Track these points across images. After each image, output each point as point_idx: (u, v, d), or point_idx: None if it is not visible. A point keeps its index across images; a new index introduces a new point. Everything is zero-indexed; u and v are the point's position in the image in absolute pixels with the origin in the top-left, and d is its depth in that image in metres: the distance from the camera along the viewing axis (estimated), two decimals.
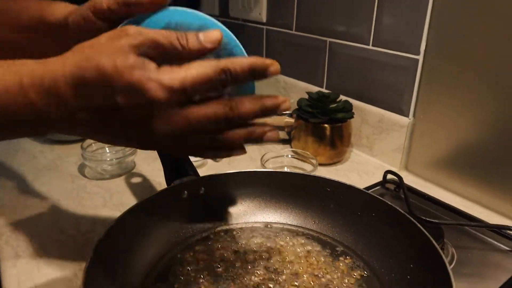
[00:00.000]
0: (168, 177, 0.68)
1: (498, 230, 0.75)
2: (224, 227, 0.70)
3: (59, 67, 0.40)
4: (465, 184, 0.89)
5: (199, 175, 0.69)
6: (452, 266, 0.68)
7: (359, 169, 1.02)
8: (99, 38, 0.41)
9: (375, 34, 0.99)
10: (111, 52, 0.38)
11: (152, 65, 0.39)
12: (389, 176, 0.90)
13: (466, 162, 0.88)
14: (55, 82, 0.39)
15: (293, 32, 1.24)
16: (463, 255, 0.71)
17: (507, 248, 0.73)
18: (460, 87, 0.85)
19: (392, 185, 0.91)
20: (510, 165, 0.80)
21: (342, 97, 1.06)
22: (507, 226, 0.74)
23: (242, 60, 0.42)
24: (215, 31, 0.42)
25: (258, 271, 0.60)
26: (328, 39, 1.12)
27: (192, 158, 0.74)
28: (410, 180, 0.95)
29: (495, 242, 0.74)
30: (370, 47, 1.01)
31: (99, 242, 0.52)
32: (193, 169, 0.69)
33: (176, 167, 0.69)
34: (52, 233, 0.75)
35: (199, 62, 0.41)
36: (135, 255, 0.58)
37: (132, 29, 0.40)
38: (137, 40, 0.39)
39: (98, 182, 0.95)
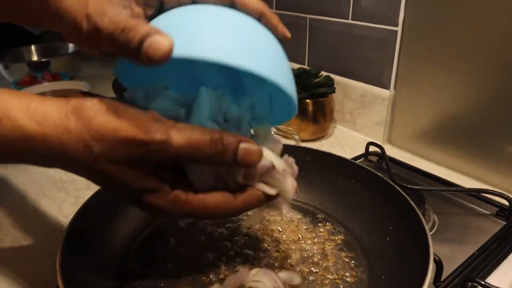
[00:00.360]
0: None
1: (477, 194, 0.76)
2: None
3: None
4: (446, 154, 0.90)
5: None
6: (433, 231, 0.69)
7: (343, 144, 1.02)
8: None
9: (354, 8, 0.99)
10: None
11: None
12: (372, 149, 0.90)
13: (447, 132, 0.89)
14: None
15: (274, 10, 1.23)
16: (445, 220, 0.72)
17: (487, 212, 0.74)
18: (439, 58, 0.86)
19: (375, 157, 0.91)
20: (489, 134, 0.81)
21: (324, 73, 1.06)
22: (486, 189, 0.75)
23: None
24: (255, 150, 0.37)
25: (239, 241, 0.61)
26: (308, 16, 1.12)
27: None
28: (393, 152, 0.95)
29: (475, 207, 0.75)
30: (350, 21, 1.01)
31: (75, 217, 0.52)
32: None
33: None
34: (35, 217, 0.75)
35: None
36: (115, 228, 0.58)
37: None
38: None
39: None
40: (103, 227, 0.56)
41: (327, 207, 0.66)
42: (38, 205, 0.79)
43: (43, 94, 1.23)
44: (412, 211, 0.53)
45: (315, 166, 0.67)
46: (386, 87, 0.98)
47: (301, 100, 0.98)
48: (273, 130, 0.98)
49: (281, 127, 0.96)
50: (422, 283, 0.41)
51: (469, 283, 0.54)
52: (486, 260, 0.61)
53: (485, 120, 0.81)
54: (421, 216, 0.51)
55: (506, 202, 0.71)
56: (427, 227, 0.49)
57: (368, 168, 0.63)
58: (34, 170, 0.91)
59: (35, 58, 1.58)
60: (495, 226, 0.69)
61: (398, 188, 0.57)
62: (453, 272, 0.57)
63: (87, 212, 0.53)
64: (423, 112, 0.92)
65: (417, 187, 0.73)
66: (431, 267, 0.43)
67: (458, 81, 0.83)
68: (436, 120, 0.90)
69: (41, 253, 0.65)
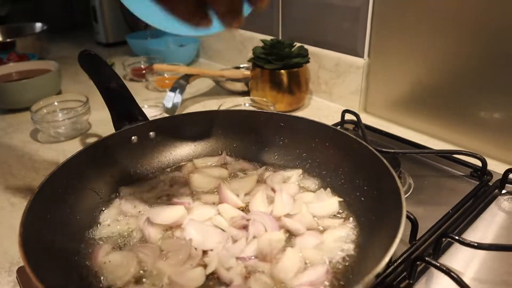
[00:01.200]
0: (117, 124, 0.65)
1: (450, 156, 0.76)
2: (175, 168, 0.69)
3: None
4: (421, 120, 0.90)
5: (148, 119, 0.67)
6: (409, 193, 0.69)
7: (319, 114, 1.01)
8: None
9: None
10: None
11: None
12: (348, 117, 0.90)
13: (422, 99, 0.89)
14: None
15: None
16: (420, 183, 0.72)
17: (461, 173, 0.74)
18: (412, 26, 0.85)
19: (351, 125, 0.91)
20: (462, 100, 0.82)
21: (298, 44, 1.04)
22: (460, 150, 0.76)
23: None
24: None
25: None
26: None
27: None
28: (369, 121, 0.95)
29: (449, 169, 0.76)
30: None
31: (41, 185, 0.50)
32: (142, 114, 0.67)
33: (124, 112, 0.66)
34: (3, 196, 0.72)
35: None
36: (80, 198, 0.56)
37: None
38: None
39: (52, 145, 0.91)
40: (67, 197, 0.55)
41: (302, 169, 0.66)
42: (7, 185, 0.76)
43: (8, 75, 1.19)
44: (385, 170, 0.52)
45: (288, 132, 0.67)
46: (360, 55, 0.97)
47: (275, 71, 0.96)
48: (248, 103, 0.96)
49: (256, 98, 0.95)
50: (395, 236, 0.41)
51: (444, 239, 0.54)
52: (460, 218, 0.62)
53: (459, 86, 0.82)
54: (393, 172, 0.50)
55: (479, 163, 0.72)
56: (399, 182, 0.49)
57: (343, 131, 0.62)
58: (1, 151, 0.89)
59: (0, 38, 1.52)
60: (468, 186, 0.70)
61: (370, 147, 0.57)
62: (429, 230, 0.57)
63: (54, 181, 0.52)
64: (398, 80, 0.92)
65: (392, 150, 0.73)
66: (403, 220, 0.43)
67: (432, 48, 0.83)
68: (410, 87, 0.90)
69: (8, 236, 0.63)
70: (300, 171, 0.66)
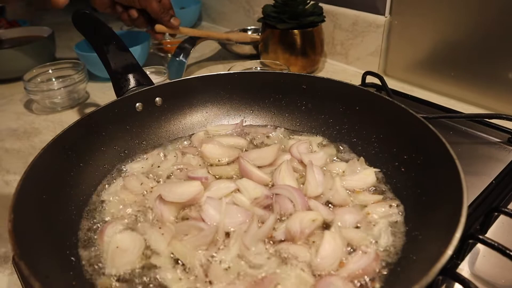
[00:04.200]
0: (119, 91, 0.58)
1: (484, 120, 0.69)
2: (185, 138, 0.62)
3: None
4: (446, 82, 0.82)
5: (153, 84, 0.59)
6: None
7: (335, 78, 0.93)
8: None
9: None
10: None
11: None
12: (369, 80, 0.83)
13: (446, 58, 0.81)
14: None
15: None
16: (454, 151, 0.66)
17: (497, 140, 0.67)
18: None
19: (373, 89, 0.83)
20: (491, 60, 0.74)
21: (312, 1, 0.96)
22: (494, 114, 0.68)
23: None
24: None
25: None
26: None
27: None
28: (390, 84, 0.87)
29: (484, 135, 0.69)
30: None
31: (34, 162, 0.43)
32: (146, 79, 0.59)
33: (126, 77, 0.58)
34: None
35: None
36: (79, 175, 0.50)
37: None
38: None
39: (48, 116, 0.84)
40: (66, 171, 0.48)
41: (329, 136, 0.59)
42: (0, 161, 0.70)
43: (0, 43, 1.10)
44: (433, 137, 0.45)
45: (311, 95, 0.59)
46: (381, 12, 0.88)
47: (287, 30, 0.88)
48: (259, 66, 0.88)
49: (267, 61, 0.87)
50: (456, 225, 0.34)
51: (495, 213, 0.48)
52: (506, 189, 0.55)
53: (489, 44, 0.74)
54: (444, 141, 0.44)
55: None
56: (452, 152, 0.42)
57: (377, 93, 0.55)
58: None
59: None
60: (508, 154, 0.63)
61: (412, 111, 0.50)
62: (473, 203, 0.51)
63: (49, 153, 0.45)
64: (422, 39, 0.84)
65: (425, 115, 0.66)
66: (465, 202, 0.37)
67: (459, 4, 0.75)
68: (435, 47, 0.82)
69: (3, 217, 0.57)
70: (321, 138, 0.59)
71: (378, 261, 0.39)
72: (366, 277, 0.38)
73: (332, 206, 0.48)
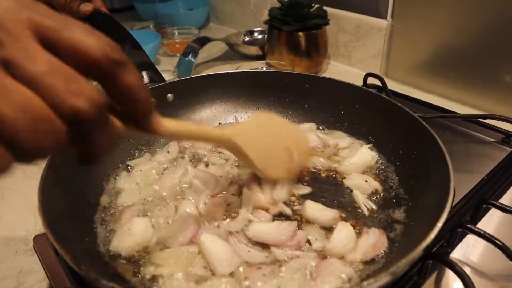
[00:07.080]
0: None
1: (478, 120, 0.73)
2: None
3: None
4: (445, 84, 0.86)
5: (165, 81, 0.63)
6: None
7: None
8: None
9: None
10: None
11: None
12: (370, 81, 0.86)
13: (445, 61, 0.84)
14: None
15: None
16: (448, 149, 0.69)
17: (491, 139, 0.71)
18: None
19: (374, 89, 0.86)
20: (490, 64, 0.77)
21: (316, 5, 0.99)
22: (488, 114, 0.71)
23: None
24: None
25: None
26: None
27: None
28: (390, 85, 0.90)
29: (478, 135, 0.72)
30: None
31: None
32: (159, 76, 0.63)
33: (140, 74, 0.62)
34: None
35: None
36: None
37: None
38: None
39: None
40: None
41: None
42: None
43: None
44: (426, 134, 0.49)
45: (314, 94, 0.63)
46: (383, 16, 0.92)
47: (292, 32, 0.92)
48: (265, 67, 0.92)
49: (273, 62, 0.91)
50: (443, 206, 0.38)
51: (484, 205, 0.51)
52: (496, 184, 0.58)
53: (488, 49, 0.77)
54: (436, 137, 0.47)
55: (511, 128, 0.68)
56: (443, 147, 0.46)
57: (377, 92, 0.58)
58: None
59: None
60: (500, 153, 0.66)
61: (408, 110, 0.53)
62: (465, 196, 0.55)
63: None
64: (422, 42, 0.87)
65: (421, 114, 0.69)
66: (452, 190, 0.40)
67: (458, 9, 0.78)
68: (435, 50, 0.85)
69: (22, 205, 0.61)
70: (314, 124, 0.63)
71: (384, 235, 0.44)
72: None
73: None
